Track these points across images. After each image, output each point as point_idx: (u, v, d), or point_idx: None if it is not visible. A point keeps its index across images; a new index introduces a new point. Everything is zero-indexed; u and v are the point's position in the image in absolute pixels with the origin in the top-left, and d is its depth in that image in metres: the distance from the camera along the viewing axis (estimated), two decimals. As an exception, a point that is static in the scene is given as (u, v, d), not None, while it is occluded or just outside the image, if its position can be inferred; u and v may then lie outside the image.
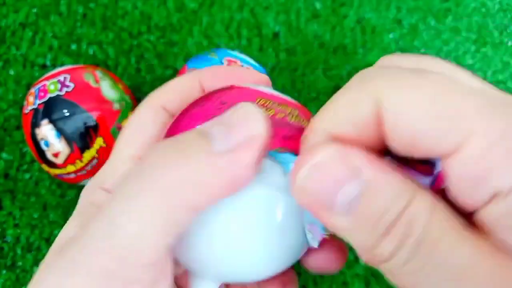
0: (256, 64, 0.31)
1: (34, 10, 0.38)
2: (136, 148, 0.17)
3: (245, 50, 0.37)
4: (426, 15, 0.40)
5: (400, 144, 0.12)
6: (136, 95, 0.35)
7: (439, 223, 0.11)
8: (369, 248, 0.12)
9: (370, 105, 0.12)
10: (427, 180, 0.13)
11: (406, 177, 0.12)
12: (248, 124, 0.13)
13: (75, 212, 0.17)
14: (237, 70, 0.19)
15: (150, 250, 0.13)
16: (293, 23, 0.39)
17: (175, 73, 0.36)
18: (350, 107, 0.12)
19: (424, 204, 0.11)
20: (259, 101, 0.15)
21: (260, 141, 0.13)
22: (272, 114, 0.15)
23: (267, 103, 0.15)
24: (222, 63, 0.30)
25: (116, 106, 0.29)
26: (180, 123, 0.16)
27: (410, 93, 0.11)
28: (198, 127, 0.14)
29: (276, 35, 0.38)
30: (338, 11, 0.39)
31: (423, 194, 0.11)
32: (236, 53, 0.31)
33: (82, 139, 0.27)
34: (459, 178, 0.11)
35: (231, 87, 0.16)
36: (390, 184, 0.11)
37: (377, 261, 0.12)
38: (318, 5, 0.39)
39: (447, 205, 0.11)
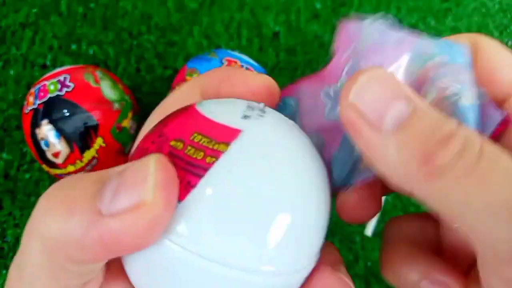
0: (256, 64, 0.31)
1: (34, 10, 0.38)
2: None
3: (245, 50, 0.37)
4: (426, 15, 0.40)
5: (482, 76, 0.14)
6: (136, 95, 0.35)
7: (494, 147, 0.11)
8: (423, 159, 0.11)
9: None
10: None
11: None
12: (136, 189, 0.11)
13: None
14: (238, 72, 0.19)
15: None
16: (293, 23, 0.39)
17: (175, 73, 0.36)
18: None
19: (473, 131, 0.11)
20: (193, 138, 0.13)
21: (149, 213, 0.11)
22: (196, 157, 0.13)
23: (201, 141, 0.13)
24: (222, 63, 0.30)
25: (116, 106, 0.29)
26: (140, 141, 0.15)
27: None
28: (95, 177, 0.12)
29: (276, 35, 0.38)
30: (338, 11, 0.39)
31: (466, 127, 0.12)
32: (236, 53, 0.31)
33: (82, 139, 0.27)
34: None
35: (180, 114, 0.15)
36: (437, 112, 0.12)
37: (433, 173, 0.11)
38: (318, 5, 0.39)
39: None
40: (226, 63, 0.30)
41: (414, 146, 0.11)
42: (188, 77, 0.30)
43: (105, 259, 0.12)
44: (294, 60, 0.37)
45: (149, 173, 0.12)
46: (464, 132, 0.11)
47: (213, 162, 0.12)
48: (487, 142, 0.11)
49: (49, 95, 0.28)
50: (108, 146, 0.28)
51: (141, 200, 0.11)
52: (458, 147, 0.11)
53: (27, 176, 0.33)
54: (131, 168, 0.12)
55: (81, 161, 0.28)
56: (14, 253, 0.31)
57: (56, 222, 0.12)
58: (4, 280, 0.31)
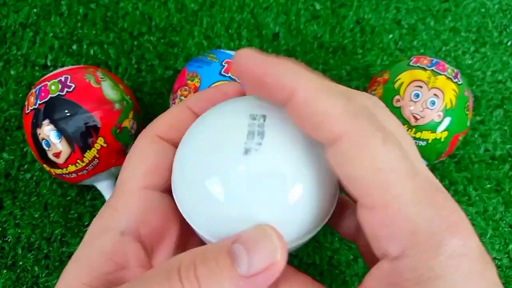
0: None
1: (35, 10, 0.38)
2: (140, 180, 0.19)
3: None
4: (426, 16, 0.40)
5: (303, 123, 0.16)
6: (137, 95, 0.35)
7: None
8: None
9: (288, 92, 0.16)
10: None
11: None
12: (267, 249, 0.15)
13: (75, 258, 0.18)
14: (219, 89, 0.21)
15: None
16: (293, 23, 0.39)
17: (176, 73, 0.37)
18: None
19: None
20: None
21: (278, 269, 0.15)
22: None
23: None
24: (223, 66, 0.30)
25: (117, 106, 0.29)
26: None
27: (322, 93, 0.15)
28: (226, 243, 0.16)
29: (276, 35, 0.38)
30: (337, 11, 0.39)
31: None
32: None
33: (83, 139, 0.27)
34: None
35: None
36: None
37: None
38: (317, 6, 0.39)
39: None
40: (226, 65, 0.30)
41: None
42: (189, 82, 0.30)
43: None
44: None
45: (274, 243, 0.15)
46: None
47: None
48: None
49: (50, 95, 0.28)
50: (109, 146, 0.28)
51: (276, 260, 0.15)
52: None
53: (28, 176, 0.34)
54: (257, 231, 0.15)
55: (82, 161, 0.28)
56: (15, 252, 0.31)
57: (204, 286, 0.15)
58: (5, 279, 0.31)
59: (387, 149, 0.14)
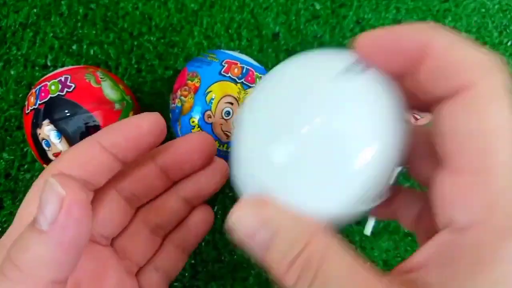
0: (257, 65, 0.31)
1: (35, 11, 0.38)
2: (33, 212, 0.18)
3: (245, 51, 0.37)
4: (426, 16, 0.40)
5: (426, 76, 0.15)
6: (137, 95, 0.35)
7: (332, 257, 0.14)
8: (281, 275, 0.14)
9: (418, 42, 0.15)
10: None
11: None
12: (51, 194, 0.15)
13: None
14: (131, 122, 0.21)
15: None
16: (293, 23, 0.39)
17: (176, 73, 0.37)
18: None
19: (319, 244, 0.14)
20: None
21: (71, 201, 0.15)
22: None
23: None
24: (222, 66, 0.30)
25: (117, 106, 0.29)
26: None
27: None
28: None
29: (276, 35, 0.38)
30: (337, 11, 0.39)
31: (320, 236, 0.14)
32: (236, 54, 0.31)
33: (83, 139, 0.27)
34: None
35: None
36: (293, 230, 0.15)
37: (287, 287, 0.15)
38: (317, 6, 0.39)
39: (341, 242, 0.15)
40: (226, 65, 0.30)
41: (275, 264, 0.15)
42: (189, 82, 0.30)
43: (69, 267, 0.16)
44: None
45: (50, 185, 0.16)
46: (307, 252, 0.14)
47: None
48: (325, 257, 0.14)
49: (50, 95, 0.28)
50: (109, 146, 0.28)
51: (59, 198, 0.15)
52: (301, 267, 0.14)
53: (28, 176, 0.34)
54: (43, 192, 0.16)
55: (82, 161, 0.28)
56: (15, 252, 0.31)
57: (19, 264, 0.15)
58: (5, 279, 0.31)
59: (508, 115, 0.13)
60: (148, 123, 0.20)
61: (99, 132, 0.20)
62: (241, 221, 0.15)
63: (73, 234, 0.15)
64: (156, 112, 0.21)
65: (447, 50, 0.14)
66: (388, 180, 0.16)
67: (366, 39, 0.16)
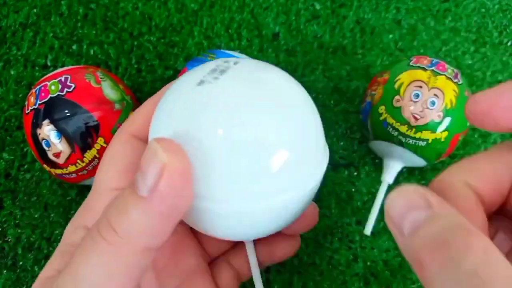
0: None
1: (35, 11, 0.38)
2: (113, 180, 0.19)
3: (245, 51, 0.37)
4: (426, 16, 0.40)
5: None
6: (137, 95, 0.35)
7: (491, 260, 0.12)
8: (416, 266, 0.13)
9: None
10: None
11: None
12: (153, 159, 0.14)
13: (56, 252, 0.18)
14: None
15: None
16: (293, 23, 0.39)
17: (176, 73, 0.37)
18: (492, 166, 0.15)
19: (479, 242, 0.12)
20: None
21: (172, 170, 0.14)
22: None
23: None
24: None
25: (117, 106, 0.29)
26: None
27: None
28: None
29: (276, 35, 0.38)
30: (337, 11, 0.39)
31: (480, 235, 0.12)
32: (236, 54, 0.31)
33: (83, 139, 0.27)
34: None
35: None
36: (452, 218, 0.13)
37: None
38: (317, 6, 0.39)
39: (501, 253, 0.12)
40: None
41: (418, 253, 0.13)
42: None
43: (164, 235, 0.15)
44: (294, 60, 0.38)
45: (155, 147, 0.14)
46: (464, 244, 0.12)
47: None
48: (485, 257, 0.12)
49: (50, 95, 0.28)
50: (109, 146, 0.28)
51: (161, 163, 0.14)
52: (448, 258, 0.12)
53: (28, 176, 0.34)
54: (146, 153, 0.15)
55: (82, 161, 0.28)
56: (15, 253, 0.31)
57: (118, 225, 0.15)
58: (5, 280, 0.31)
59: None
60: None
61: (158, 92, 0.21)
62: (404, 194, 0.14)
63: (172, 203, 0.14)
64: None
65: None
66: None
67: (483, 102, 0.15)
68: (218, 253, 0.23)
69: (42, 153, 0.28)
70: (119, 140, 0.20)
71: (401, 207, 0.14)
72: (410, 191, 0.14)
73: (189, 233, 0.22)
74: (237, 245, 0.24)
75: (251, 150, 0.15)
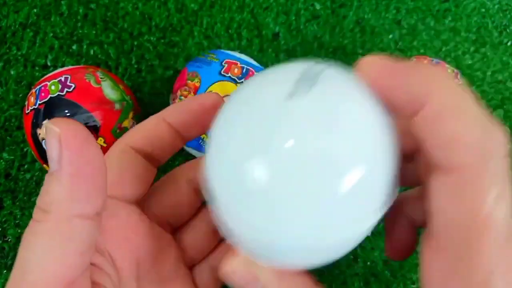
0: (257, 65, 0.31)
1: (35, 11, 0.38)
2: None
3: (245, 51, 0.37)
4: (426, 16, 0.40)
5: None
6: (137, 95, 0.35)
7: None
8: None
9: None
10: None
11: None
12: (50, 137, 0.15)
13: None
14: (196, 99, 0.21)
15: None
16: (293, 23, 0.39)
17: (176, 73, 0.37)
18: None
19: None
20: None
21: (64, 137, 0.15)
22: None
23: None
24: (222, 66, 0.30)
25: (117, 106, 0.29)
26: None
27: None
28: None
29: (276, 35, 0.38)
30: (337, 11, 0.39)
31: None
32: (236, 54, 0.31)
33: (83, 139, 0.27)
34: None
35: None
36: None
37: None
38: (317, 6, 0.39)
39: None
40: (226, 65, 0.30)
41: None
42: (189, 82, 0.30)
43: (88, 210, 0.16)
44: (294, 60, 0.38)
45: (48, 126, 0.15)
46: None
47: None
48: None
49: (50, 95, 0.28)
50: (109, 146, 0.28)
51: (56, 137, 0.15)
52: None
53: (28, 176, 0.34)
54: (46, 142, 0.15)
55: (82, 161, 0.28)
56: (15, 253, 0.31)
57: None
58: (5, 280, 0.31)
59: (498, 203, 0.13)
60: (210, 102, 0.20)
61: (165, 109, 0.21)
62: (233, 276, 0.17)
63: (79, 163, 0.15)
64: (216, 92, 0.21)
65: (443, 117, 0.13)
66: (381, 200, 0.14)
67: (374, 63, 0.15)
68: (200, 258, 0.24)
69: (42, 153, 0.28)
70: (117, 150, 0.20)
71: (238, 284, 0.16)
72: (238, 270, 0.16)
73: (170, 239, 0.22)
74: (218, 249, 0.24)
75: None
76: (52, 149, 0.15)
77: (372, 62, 0.15)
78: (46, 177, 0.15)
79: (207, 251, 0.24)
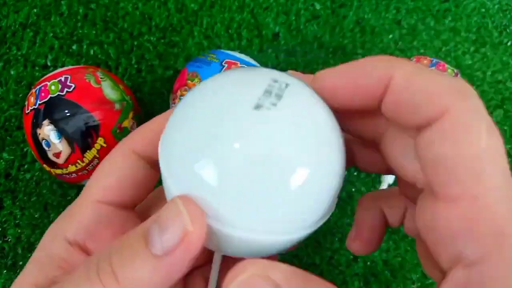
0: (257, 65, 0.31)
1: (35, 11, 0.38)
2: (100, 192, 0.18)
3: (245, 51, 0.37)
4: (426, 16, 0.40)
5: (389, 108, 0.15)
6: (136, 95, 0.35)
7: None
8: None
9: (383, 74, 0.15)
10: None
11: None
12: (177, 222, 0.14)
13: (32, 260, 0.17)
14: None
15: None
16: (293, 23, 0.39)
17: (176, 73, 0.37)
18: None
19: None
20: None
21: (193, 241, 0.14)
22: None
23: None
24: (222, 66, 0.30)
25: (117, 106, 0.29)
26: None
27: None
28: (141, 225, 0.15)
29: (276, 35, 0.38)
30: (337, 11, 0.39)
31: None
32: (236, 54, 0.31)
33: (83, 139, 0.27)
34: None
35: None
36: None
37: None
38: (317, 6, 0.39)
39: None
40: (226, 65, 0.30)
41: None
42: (189, 82, 0.30)
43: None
44: (294, 60, 0.38)
45: (183, 208, 0.14)
46: None
47: None
48: None
49: (50, 95, 0.28)
50: (109, 146, 0.28)
51: (187, 231, 0.13)
52: None
53: (28, 176, 0.34)
54: (169, 208, 0.14)
55: (82, 161, 0.28)
56: (15, 253, 0.31)
57: (118, 273, 0.14)
58: (5, 280, 0.31)
59: (491, 138, 0.13)
60: None
61: (168, 111, 0.20)
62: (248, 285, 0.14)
63: (182, 268, 0.14)
64: None
65: (411, 81, 0.14)
66: (328, 201, 0.15)
67: (325, 79, 0.15)
68: (193, 268, 0.24)
69: (42, 153, 0.28)
70: (117, 153, 0.19)
71: None
72: (254, 278, 0.13)
73: None
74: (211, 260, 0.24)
75: None
76: (169, 232, 0.14)
77: (326, 72, 0.16)
78: (141, 248, 0.14)
79: (201, 261, 0.24)
